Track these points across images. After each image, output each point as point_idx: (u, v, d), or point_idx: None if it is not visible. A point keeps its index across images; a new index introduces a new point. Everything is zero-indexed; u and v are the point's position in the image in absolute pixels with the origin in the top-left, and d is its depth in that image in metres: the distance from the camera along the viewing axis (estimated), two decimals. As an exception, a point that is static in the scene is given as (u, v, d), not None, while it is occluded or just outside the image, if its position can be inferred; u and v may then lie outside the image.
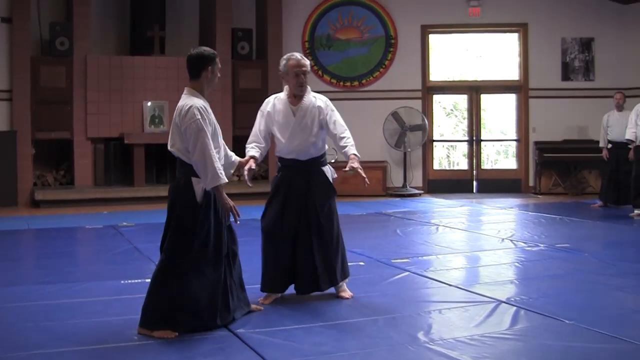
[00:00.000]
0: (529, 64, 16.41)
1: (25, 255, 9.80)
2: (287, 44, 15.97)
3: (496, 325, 5.53)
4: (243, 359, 4.90)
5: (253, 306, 5.93)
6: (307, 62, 6.42)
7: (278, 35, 15.98)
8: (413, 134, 15.80)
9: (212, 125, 5.48)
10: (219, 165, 5.36)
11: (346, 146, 6.39)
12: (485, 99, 16.97)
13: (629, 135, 12.29)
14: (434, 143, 16.90)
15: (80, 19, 14.67)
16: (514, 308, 5.96)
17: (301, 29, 16.45)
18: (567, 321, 5.56)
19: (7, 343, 5.19)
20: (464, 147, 17.09)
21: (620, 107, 13.15)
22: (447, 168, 17.43)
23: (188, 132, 5.36)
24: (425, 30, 16.46)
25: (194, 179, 5.43)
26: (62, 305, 6.27)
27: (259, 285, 6.38)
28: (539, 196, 15.53)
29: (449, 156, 17.71)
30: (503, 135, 17.42)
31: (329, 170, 6.56)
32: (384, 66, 16.40)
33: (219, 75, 5.74)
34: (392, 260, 8.12)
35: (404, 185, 15.90)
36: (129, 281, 7.18)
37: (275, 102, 6.50)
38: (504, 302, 6.17)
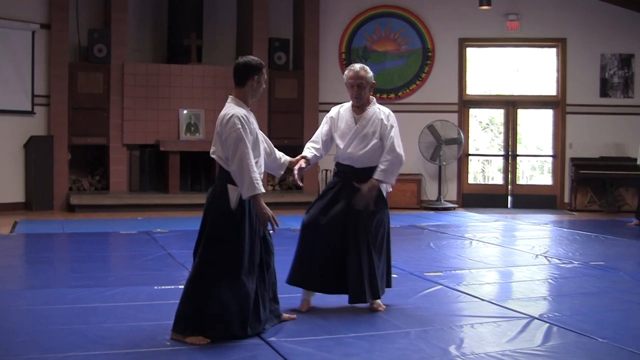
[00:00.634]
0: (567, 79, 16.31)
1: (60, 258, 9.87)
2: (323, 55, 16.03)
3: (528, 342, 5.48)
4: (274, 367, 4.90)
5: (285, 315, 5.92)
6: (366, 74, 6.52)
7: (315, 46, 16.01)
8: (448, 148, 15.75)
9: (253, 134, 5.49)
10: (256, 175, 5.36)
11: (379, 167, 6.39)
12: (522, 113, 16.87)
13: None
14: (470, 157, 16.82)
15: (118, 26, 14.79)
16: (547, 325, 5.90)
17: (338, 40, 16.47)
18: (600, 339, 5.50)
19: (40, 345, 5.22)
20: (499, 162, 16.99)
21: (659, 125, 13.03)
22: (482, 182, 17.32)
23: (228, 141, 5.38)
24: (463, 44, 16.42)
25: (230, 186, 5.44)
26: (95, 309, 6.30)
27: (297, 295, 6.40)
28: (574, 213, 15.41)
29: (484, 170, 17.62)
30: (539, 150, 17.29)
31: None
32: (420, 79, 16.37)
33: (264, 85, 5.76)
34: (425, 274, 8.10)
35: (439, 199, 15.85)
36: (162, 287, 7.20)
37: (340, 109, 6.64)
38: (537, 318, 6.11)
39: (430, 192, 16.14)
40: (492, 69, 16.91)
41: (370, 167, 6.44)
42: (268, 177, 15.02)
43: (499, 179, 16.98)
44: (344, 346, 5.31)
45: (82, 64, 14.84)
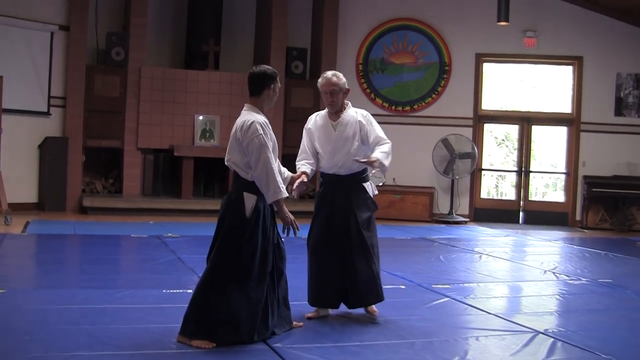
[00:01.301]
0: (582, 97, 16.29)
1: (70, 259, 9.94)
2: (341, 65, 16.03)
3: (532, 356, 5.47)
4: (277, 373, 4.92)
5: (294, 323, 5.94)
6: (339, 80, 6.47)
7: (332, 55, 16.06)
8: (462, 162, 15.76)
9: (272, 141, 5.53)
10: (279, 179, 5.42)
11: (375, 149, 6.40)
12: (537, 130, 16.85)
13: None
14: (483, 172, 16.81)
15: (137, 30, 14.89)
16: (552, 339, 5.89)
17: (356, 51, 16.52)
18: (604, 356, 5.48)
19: (47, 344, 5.25)
20: (512, 178, 16.97)
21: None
22: (495, 197, 17.28)
23: (250, 147, 5.42)
24: (480, 59, 16.44)
25: (245, 194, 5.48)
26: (103, 310, 6.34)
27: (305, 302, 6.43)
28: (585, 230, 15.39)
29: (498, 186, 17.59)
30: (552, 167, 17.27)
31: (369, 186, 6.59)
32: (436, 92, 16.39)
33: (277, 94, 5.81)
34: (433, 285, 8.09)
35: (450, 212, 15.85)
36: (171, 291, 7.24)
37: (316, 118, 6.62)
38: (542, 333, 6.10)
39: (442, 205, 16.14)
40: (508, 84, 16.90)
41: (356, 172, 6.49)
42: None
43: (511, 195, 16.95)
44: (349, 355, 5.32)
45: (99, 67, 14.95)
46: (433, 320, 6.52)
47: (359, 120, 6.47)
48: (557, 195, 17.15)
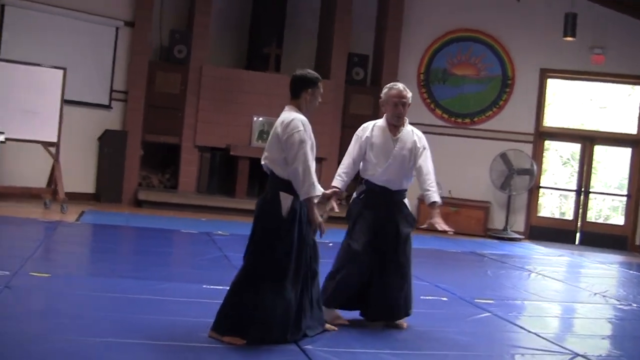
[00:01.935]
0: (649, 118, 15.98)
1: (119, 250, 10.04)
2: (402, 74, 15.99)
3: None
4: (305, 374, 4.89)
5: (327, 326, 5.90)
6: (409, 94, 6.45)
7: (394, 64, 16.01)
8: (520, 178, 15.57)
9: (311, 140, 5.51)
10: (315, 177, 5.38)
11: (429, 190, 6.42)
12: (599, 150, 16.59)
13: None
14: (541, 189, 16.58)
15: (201, 29, 15.02)
16: (589, 363, 5.75)
17: (418, 60, 16.45)
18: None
19: (81, 329, 5.32)
20: (573, 197, 16.69)
21: None
22: (552, 216, 17.01)
23: (289, 142, 5.41)
24: (544, 74, 16.21)
25: (282, 194, 5.45)
26: (141, 301, 6.40)
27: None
28: (643, 256, 15.08)
29: (561, 206, 17.29)
30: (614, 189, 16.95)
31: (407, 203, 6.54)
32: (497, 106, 16.23)
33: (319, 99, 5.79)
34: (476, 300, 7.97)
35: (505, 229, 15.66)
36: (211, 287, 7.24)
37: (374, 128, 6.51)
38: (581, 355, 5.94)
39: (497, 220, 15.97)
40: (572, 101, 16.65)
41: (404, 189, 6.52)
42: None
43: (570, 214, 16.67)
44: (378, 361, 5.29)
45: (161, 63, 15.10)
46: (470, 334, 6.41)
47: (414, 141, 6.45)
48: (617, 217, 16.84)
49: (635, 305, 8.73)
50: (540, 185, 16.50)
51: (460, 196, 15.95)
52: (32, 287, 6.59)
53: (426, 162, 6.44)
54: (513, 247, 14.30)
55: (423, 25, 16.46)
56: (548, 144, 16.63)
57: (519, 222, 16.11)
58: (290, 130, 5.43)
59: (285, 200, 5.44)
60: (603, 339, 6.92)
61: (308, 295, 5.58)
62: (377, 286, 6.24)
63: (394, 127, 6.44)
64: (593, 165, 16.51)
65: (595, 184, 16.64)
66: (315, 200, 5.45)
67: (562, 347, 6.21)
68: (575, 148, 16.89)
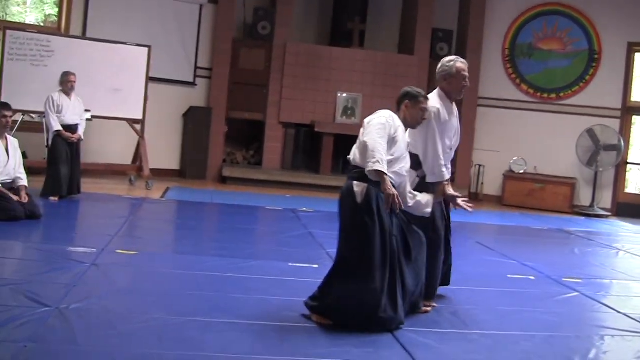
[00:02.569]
0: None
1: (204, 227, 10.09)
2: (486, 49, 15.82)
3: (658, 360, 5.22)
4: (391, 354, 4.84)
5: (422, 309, 5.87)
6: None
7: (479, 39, 15.81)
8: (607, 154, 15.24)
9: (393, 132, 5.44)
10: (383, 156, 5.28)
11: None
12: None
13: None
14: (629, 165, 16.21)
15: (284, 6, 15.00)
16: (684, 345, 5.59)
17: (503, 35, 16.17)
18: None
19: (168, 307, 5.37)
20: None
21: None
22: (640, 192, 16.63)
23: (370, 125, 5.40)
24: (632, 48, 15.77)
25: (355, 183, 5.40)
26: (227, 279, 6.42)
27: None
28: None
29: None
30: None
31: None
32: (584, 81, 15.88)
33: (422, 115, 5.71)
34: (564, 279, 7.82)
35: (592, 205, 15.37)
36: (296, 264, 7.26)
37: (439, 106, 6.05)
38: (675, 337, 5.78)
39: (583, 197, 15.68)
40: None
41: None
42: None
43: (659, 191, 16.28)
44: (467, 342, 5.22)
45: (245, 41, 15.12)
46: (558, 314, 6.30)
47: None
48: None
49: None
50: (628, 161, 16.09)
51: (546, 172, 15.71)
52: (118, 264, 6.67)
53: None
54: (600, 224, 14.02)
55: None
56: (635, 119, 16.19)
57: (605, 199, 15.77)
58: (375, 115, 5.48)
59: (359, 187, 5.38)
60: (697, 320, 6.74)
61: (399, 283, 5.47)
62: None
63: (451, 102, 6.23)
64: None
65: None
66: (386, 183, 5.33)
67: (653, 328, 6.07)
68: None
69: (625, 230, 13.40)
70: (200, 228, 9.77)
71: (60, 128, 10.45)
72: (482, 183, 15.98)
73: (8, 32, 11.72)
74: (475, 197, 15.70)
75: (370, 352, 4.83)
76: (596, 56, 15.84)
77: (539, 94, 16.06)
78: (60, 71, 10.84)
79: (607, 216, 15.17)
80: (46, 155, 10.82)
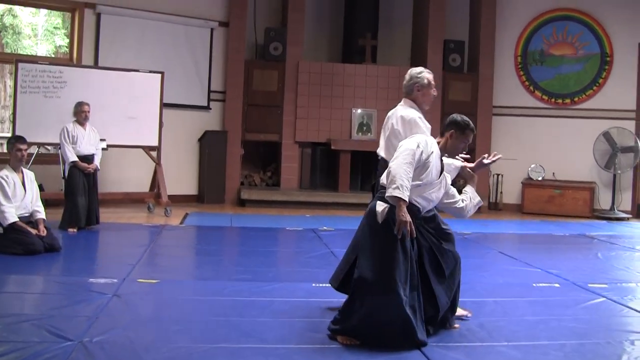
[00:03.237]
0: None
1: (225, 251, 10.04)
2: (499, 58, 15.81)
3: (690, 364, 5.12)
4: (421, 372, 4.79)
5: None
6: None
7: (490, 48, 15.79)
8: (624, 156, 15.15)
9: (427, 158, 5.36)
10: (405, 182, 5.20)
11: None
12: None
13: None
14: (647, 166, 16.09)
15: (295, 25, 15.04)
16: None
17: (514, 43, 16.15)
18: None
19: (193, 334, 5.31)
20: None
21: None
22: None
23: (399, 149, 5.34)
24: (644, 49, 15.73)
25: (378, 202, 5.36)
26: (252, 303, 6.36)
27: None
28: None
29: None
30: None
31: None
32: (597, 84, 15.81)
33: (463, 148, 5.70)
34: (589, 285, 7.74)
35: (612, 208, 15.26)
36: (320, 285, 7.18)
37: (418, 117, 6.25)
38: None
39: (603, 201, 15.57)
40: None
41: None
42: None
43: (679, 191, 16.15)
44: (495, 355, 5.14)
45: (258, 62, 15.14)
46: (586, 321, 6.21)
47: None
48: None
49: None
50: (646, 162, 16.00)
51: (565, 178, 15.63)
52: (140, 294, 6.63)
53: None
54: (621, 227, 13.94)
55: (517, 7, 16.14)
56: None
57: (625, 201, 15.66)
58: (407, 140, 5.42)
59: (380, 207, 5.33)
60: None
61: (419, 307, 5.40)
62: None
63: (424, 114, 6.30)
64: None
65: None
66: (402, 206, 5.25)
67: (684, 332, 5.96)
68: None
69: (647, 232, 13.30)
70: (221, 253, 9.73)
71: (76, 159, 10.45)
72: (501, 192, 15.90)
73: (20, 64, 11.74)
74: (494, 207, 15.66)
75: (400, 371, 4.76)
76: (608, 59, 15.77)
77: (553, 100, 15.99)
78: (73, 102, 10.83)
79: (628, 218, 15.09)
80: (63, 187, 10.80)
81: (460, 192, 5.84)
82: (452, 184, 5.80)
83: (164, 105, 12.90)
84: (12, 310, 5.91)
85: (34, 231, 8.50)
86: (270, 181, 15.50)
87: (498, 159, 5.98)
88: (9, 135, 11.72)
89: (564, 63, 16.03)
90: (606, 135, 15.19)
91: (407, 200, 5.15)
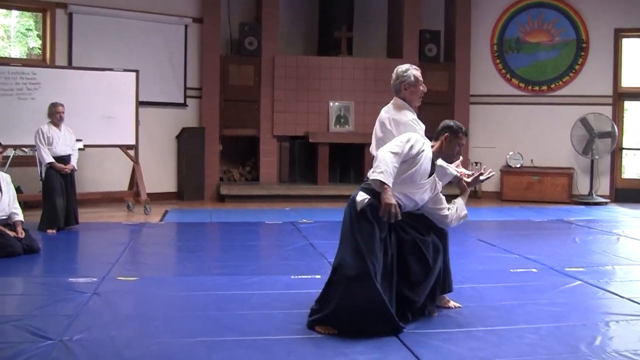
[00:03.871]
0: None
1: (205, 247, 10.02)
2: (475, 47, 15.86)
3: (663, 343, 5.18)
4: (398, 358, 4.82)
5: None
6: None
7: (466, 37, 15.85)
8: (601, 141, 15.25)
9: (417, 155, 5.41)
10: (389, 168, 5.23)
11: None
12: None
13: None
14: (624, 151, 16.17)
15: (270, 19, 15.04)
16: (689, 326, 5.55)
17: (490, 32, 16.19)
18: None
19: (173, 329, 5.34)
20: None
21: None
22: (637, 177, 16.54)
23: (391, 141, 5.44)
24: (619, 34, 15.78)
25: (360, 192, 5.41)
26: (231, 297, 6.38)
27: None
28: None
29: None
30: None
31: None
32: (574, 71, 15.88)
33: (458, 152, 5.72)
34: (566, 269, 7.82)
35: (590, 193, 15.35)
36: (299, 277, 7.24)
37: (409, 115, 6.17)
38: (679, 319, 5.74)
39: (581, 186, 15.65)
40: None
41: None
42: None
43: (656, 174, 16.26)
44: (472, 340, 5.19)
45: (233, 57, 15.12)
46: (562, 304, 6.28)
47: None
48: None
49: None
50: (623, 146, 16.09)
51: (543, 164, 15.73)
52: (120, 291, 6.64)
53: None
54: (599, 211, 14.04)
55: (492, -5, 16.21)
56: (627, 104, 16.18)
57: (603, 186, 15.77)
58: (403, 135, 5.50)
59: (360, 198, 5.37)
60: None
61: (391, 293, 5.44)
62: None
63: (414, 112, 6.25)
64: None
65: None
66: (387, 192, 5.27)
67: (658, 311, 6.03)
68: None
69: (624, 216, 13.42)
70: (201, 248, 9.71)
71: (52, 160, 10.40)
72: (481, 180, 15.90)
73: (-8, 67, 11.71)
74: (474, 195, 15.69)
75: (378, 358, 4.80)
76: (584, 45, 15.84)
77: (529, 87, 16.06)
78: (47, 103, 10.75)
79: (606, 203, 15.19)
80: (41, 188, 10.77)
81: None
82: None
83: (140, 103, 12.88)
84: (-8, 312, 5.92)
85: (12, 234, 8.48)
86: (250, 176, 15.50)
87: (492, 175, 6.19)
88: (-15, 138, 11.67)
89: (540, 50, 16.08)
90: (583, 121, 15.26)
91: (390, 185, 5.18)
